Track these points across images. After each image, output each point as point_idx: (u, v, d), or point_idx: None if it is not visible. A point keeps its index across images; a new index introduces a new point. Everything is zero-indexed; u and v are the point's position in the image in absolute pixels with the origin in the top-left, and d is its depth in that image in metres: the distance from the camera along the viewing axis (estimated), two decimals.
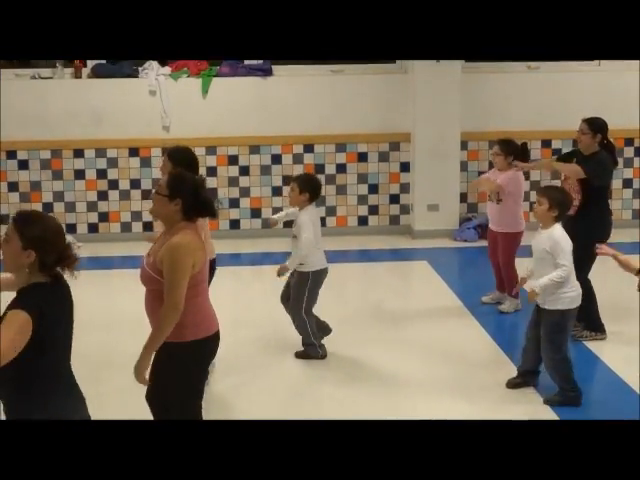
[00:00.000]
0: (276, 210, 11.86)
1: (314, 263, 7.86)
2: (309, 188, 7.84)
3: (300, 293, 7.86)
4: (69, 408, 4.47)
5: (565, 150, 11.52)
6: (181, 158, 7.12)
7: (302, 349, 8.03)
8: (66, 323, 4.46)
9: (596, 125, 8.19)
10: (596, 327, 8.22)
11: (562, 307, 6.88)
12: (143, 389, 5.69)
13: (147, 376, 5.43)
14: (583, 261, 7.49)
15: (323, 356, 7.99)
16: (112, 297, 9.81)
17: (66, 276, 4.47)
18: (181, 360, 5.47)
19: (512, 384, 7.24)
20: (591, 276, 8.00)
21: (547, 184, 9.65)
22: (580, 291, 7.01)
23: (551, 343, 6.91)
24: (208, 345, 5.56)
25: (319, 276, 7.89)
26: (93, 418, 4.64)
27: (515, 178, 9.00)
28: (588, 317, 8.12)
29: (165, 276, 5.31)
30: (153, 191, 5.70)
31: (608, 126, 8.26)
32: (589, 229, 7.67)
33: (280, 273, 7.88)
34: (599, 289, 8.12)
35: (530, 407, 6.93)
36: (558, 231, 6.92)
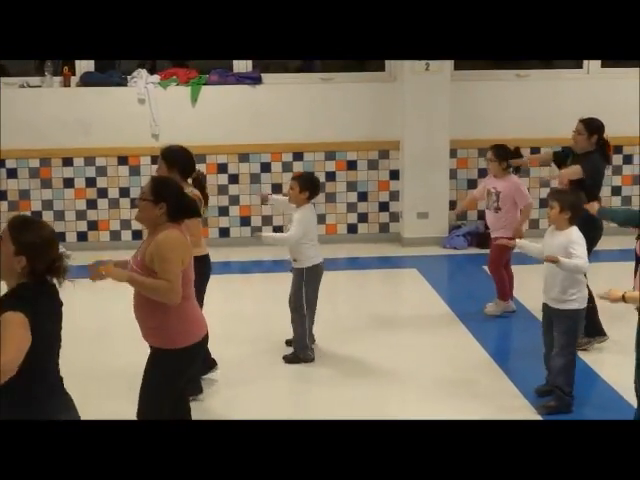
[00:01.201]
0: (265, 218, 11.89)
1: (308, 259, 7.89)
2: (309, 187, 7.91)
3: (298, 290, 7.92)
4: (60, 407, 4.47)
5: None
6: (175, 157, 7.08)
7: (291, 353, 8.05)
8: (56, 322, 4.47)
9: (592, 126, 8.19)
10: (597, 331, 8.21)
11: (575, 307, 6.89)
12: (133, 397, 5.69)
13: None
14: None
15: (313, 359, 8.01)
16: (101, 306, 9.78)
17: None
18: (170, 366, 5.50)
19: (541, 392, 7.20)
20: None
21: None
22: (587, 291, 7.03)
23: (565, 342, 6.91)
24: (196, 350, 5.59)
25: (314, 272, 7.91)
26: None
27: (513, 184, 9.01)
28: (589, 322, 8.12)
29: (159, 269, 5.33)
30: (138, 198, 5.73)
31: (604, 127, 8.26)
32: (582, 226, 7.63)
33: (255, 236, 8.00)
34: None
35: (517, 412, 6.92)
36: (575, 232, 6.91)
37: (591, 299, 7.97)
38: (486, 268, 9.38)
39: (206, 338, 5.67)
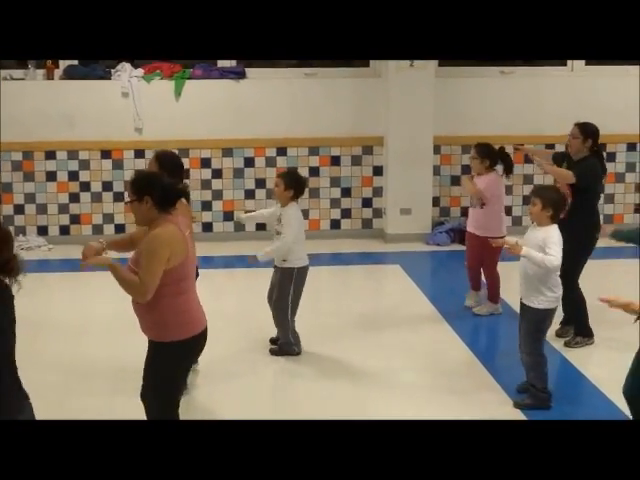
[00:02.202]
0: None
1: (298, 259, 7.87)
2: (294, 185, 7.90)
3: (285, 290, 7.91)
4: (16, 405, 4.44)
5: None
6: (167, 162, 7.10)
7: (277, 347, 8.07)
8: (11, 318, 4.43)
9: (588, 130, 8.18)
10: (587, 332, 8.22)
11: (546, 306, 6.89)
12: (114, 393, 5.68)
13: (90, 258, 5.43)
14: (571, 267, 7.37)
15: (298, 353, 8.03)
16: (83, 300, 9.76)
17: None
18: (168, 359, 5.54)
19: (522, 389, 7.22)
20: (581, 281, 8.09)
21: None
22: (561, 292, 7.03)
23: (531, 340, 6.93)
24: (195, 343, 5.63)
25: (303, 272, 7.92)
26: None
27: (494, 181, 9.01)
28: (579, 323, 8.15)
29: (140, 264, 5.37)
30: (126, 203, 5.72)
31: (599, 131, 8.26)
32: (575, 235, 7.62)
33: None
34: (587, 294, 8.15)
35: (500, 410, 6.94)
36: (553, 229, 6.90)
37: (583, 303, 8.01)
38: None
39: (204, 334, 5.67)
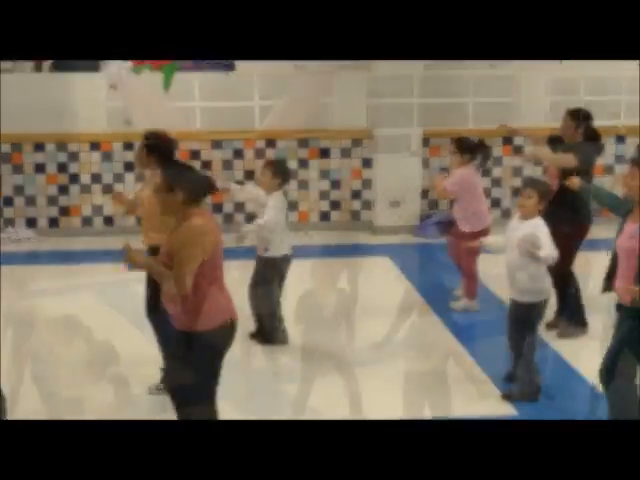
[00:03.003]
0: (237, 206, 11.88)
1: (280, 248, 7.88)
2: (280, 174, 7.90)
3: (269, 281, 8.01)
4: None
5: (526, 147, 11.67)
6: (157, 142, 6.90)
7: (264, 335, 8.13)
8: None
9: (579, 116, 8.18)
10: (580, 321, 8.23)
11: (538, 299, 6.90)
12: (105, 385, 5.67)
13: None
14: (565, 250, 7.37)
15: (282, 342, 8.07)
16: (73, 291, 9.74)
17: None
18: (201, 348, 5.52)
19: (508, 378, 7.24)
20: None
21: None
22: (549, 284, 7.04)
23: (520, 334, 6.94)
24: (226, 333, 5.62)
25: (285, 261, 7.96)
26: (50, 418, 4.62)
27: (466, 175, 8.96)
28: (572, 311, 8.15)
29: (176, 256, 5.35)
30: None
31: (592, 117, 8.26)
32: (570, 216, 7.60)
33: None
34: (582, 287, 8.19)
35: (489, 402, 6.96)
36: (541, 222, 6.88)
37: (577, 289, 8.04)
38: None
39: (235, 324, 5.66)
